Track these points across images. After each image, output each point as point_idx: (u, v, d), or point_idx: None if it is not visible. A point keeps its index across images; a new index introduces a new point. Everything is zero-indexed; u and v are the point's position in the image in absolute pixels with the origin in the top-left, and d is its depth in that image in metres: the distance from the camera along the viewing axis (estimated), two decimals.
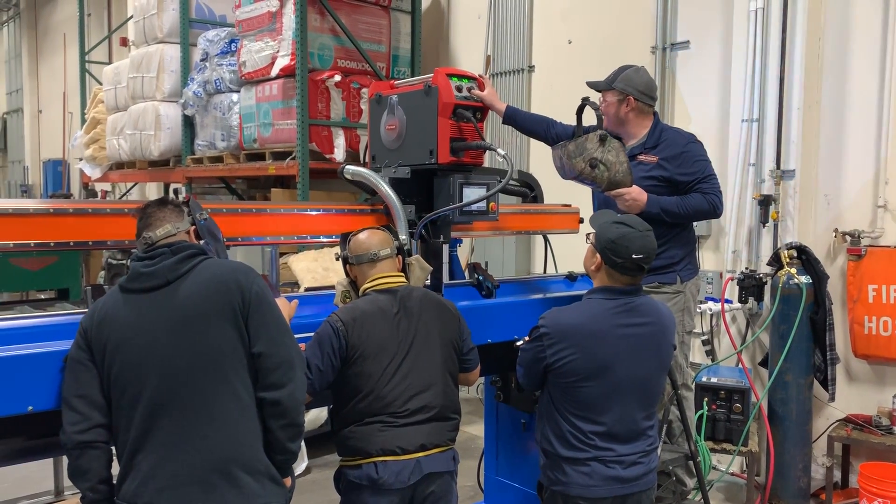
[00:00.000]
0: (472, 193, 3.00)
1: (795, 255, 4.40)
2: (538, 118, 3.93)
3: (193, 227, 2.27)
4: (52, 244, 2.55)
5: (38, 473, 4.66)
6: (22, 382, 2.05)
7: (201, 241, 2.28)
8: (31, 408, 2.06)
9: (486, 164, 3.32)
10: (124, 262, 8.16)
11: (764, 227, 4.76)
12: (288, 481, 2.18)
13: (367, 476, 2.44)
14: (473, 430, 5.71)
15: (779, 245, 4.63)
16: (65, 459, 4.41)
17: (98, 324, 2.06)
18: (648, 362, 2.61)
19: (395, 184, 3.06)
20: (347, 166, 3.17)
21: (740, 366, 4.65)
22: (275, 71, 6.13)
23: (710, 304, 4.90)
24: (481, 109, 3.14)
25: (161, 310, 2.05)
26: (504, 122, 3.84)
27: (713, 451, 4.31)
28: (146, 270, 2.08)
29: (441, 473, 2.54)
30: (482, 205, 3.07)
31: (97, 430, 2.04)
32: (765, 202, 4.68)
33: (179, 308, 2.04)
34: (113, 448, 2.12)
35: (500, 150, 3.03)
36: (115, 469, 2.13)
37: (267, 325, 2.09)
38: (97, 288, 2.36)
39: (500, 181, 3.04)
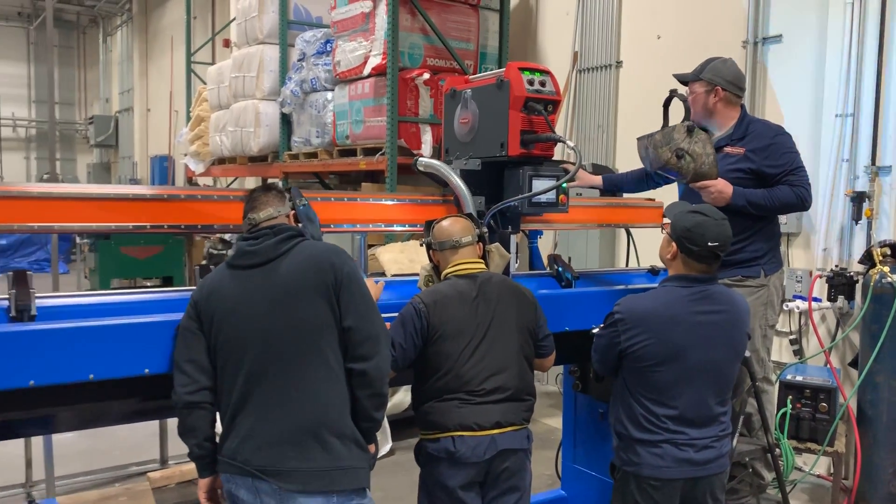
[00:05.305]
0: (541, 185, 3.05)
1: (889, 253, 4.26)
2: (635, 172, 4.03)
3: (293, 212, 2.46)
4: (165, 227, 2.81)
5: (146, 443, 5.05)
6: (140, 347, 2.29)
7: (300, 225, 2.47)
8: (147, 370, 2.30)
9: (563, 157, 3.38)
10: (224, 251, 8.61)
11: (856, 224, 4.63)
12: (372, 448, 2.35)
13: (444, 449, 2.58)
14: (553, 423, 5.78)
15: (871, 243, 4.51)
16: (169, 431, 4.77)
17: (207, 296, 2.28)
18: (722, 349, 2.65)
19: (466, 175, 3.16)
20: (421, 158, 3.31)
21: (828, 365, 4.55)
22: (367, 70, 6.35)
23: (799, 302, 4.80)
24: (553, 102, 3.16)
25: (263, 285, 2.25)
26: (607, 189, 4.06)
27: (797, 450, 4.24)
28: (250, 249, 2.29)
29: (515, 450, 2.65)
30: (551, 196, 3.11)
31: (204, 392, 2.26)
32: (858, 199, 4.56)
33: (279, 284, 2.24)
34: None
35: (569, 143, 3.09)
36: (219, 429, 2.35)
37: (356, 302, 2.26)
38: (204, 267, 2.60)
39: (568, 173, 3.10)
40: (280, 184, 8.20)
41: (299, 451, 2.18)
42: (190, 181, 11.22)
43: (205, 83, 9.90)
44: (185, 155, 10.26)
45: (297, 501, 2.17)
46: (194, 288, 2.44)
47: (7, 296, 2.29)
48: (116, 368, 2.24)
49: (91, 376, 2.20)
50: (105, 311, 2.42)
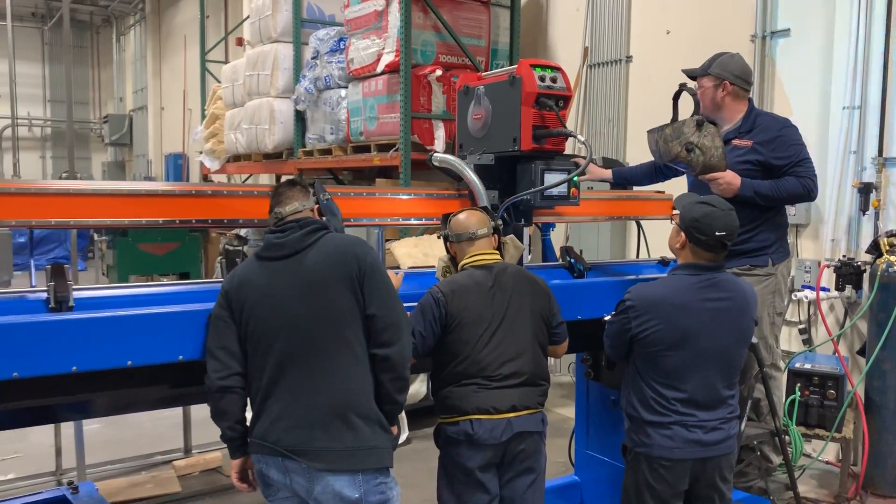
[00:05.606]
0: (553, 179, 3.15)
1: None
2: (644, 165, 4.08)
3: (317, 206, 2.58)
4: (193, 221, 2.94)
5: (169, 433, 5.19)
6: (174, 335, 2.41)
7: (323, 218, 2.59)
8: (181, 357, 2.42)
9: (574, 151, 3.46)
10: (240, 247, 8.75)
11: (864, 215, 4.71)
12: (394, 430, 2.47)
13: (463, 432, 2.69)
14: (565, 412, 5.88)
15: (879, 233, 4.58)
16: (192, 421, 4.89)
17: (237, 286, 2.40)
18: (729, 335, 2.75)
19: (480, 170, 3.26)
20: (435, 154, 3.42)
21: (836, 354, 4.63)
22: (380, 67, 6.45)
23: (807, 291, 4.88)
24: (564, 98, 3.24)
25: (290, 275, 2.37)
26: (617, 182, 4.11)
27: (805, 436, 4.33)
28: (278, 241, 2.41)
29: (531, 433, 2.76)
30: (563, 189, 3.21)
31: (235, 378, 2.38)
32: (865, 190, 4.64)
33: (306, 274, 2.36)
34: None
35: (580, 137, 3.19)
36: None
37: (379, 291, 2.38)
38: (231, 261, 2.72)
39: (579, 167, 3.20)
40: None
41: (327, 432, 2.30)
42: (205, 178, 11.36)
43: (218, 81, 10.02)
44: (200, 152, 10.38)
45: (324, 480, 2.29)
46: (221, 280, 2.56)
47: (46, 288, 2.41)
48: (153, 355, 2.37)
49: (129, 363, 2.33)
50: (137, 301, 2.54)
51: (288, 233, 2.41)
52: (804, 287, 4.95)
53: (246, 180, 11.42)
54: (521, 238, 3.30)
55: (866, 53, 4.73)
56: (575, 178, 3.24)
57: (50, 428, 4.61)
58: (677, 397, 2.70)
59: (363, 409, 2.34)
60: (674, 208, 2.90)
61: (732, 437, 2.78)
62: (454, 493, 2.75)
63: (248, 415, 2.46)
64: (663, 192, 4.30)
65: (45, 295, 2.38)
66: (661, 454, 2.70)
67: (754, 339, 3.03)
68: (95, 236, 11.70)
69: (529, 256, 3.51)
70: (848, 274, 4.63)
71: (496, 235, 2.97)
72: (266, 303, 2.36)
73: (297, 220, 2.44)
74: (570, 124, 6.83)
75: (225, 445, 2.51)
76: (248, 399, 2.44)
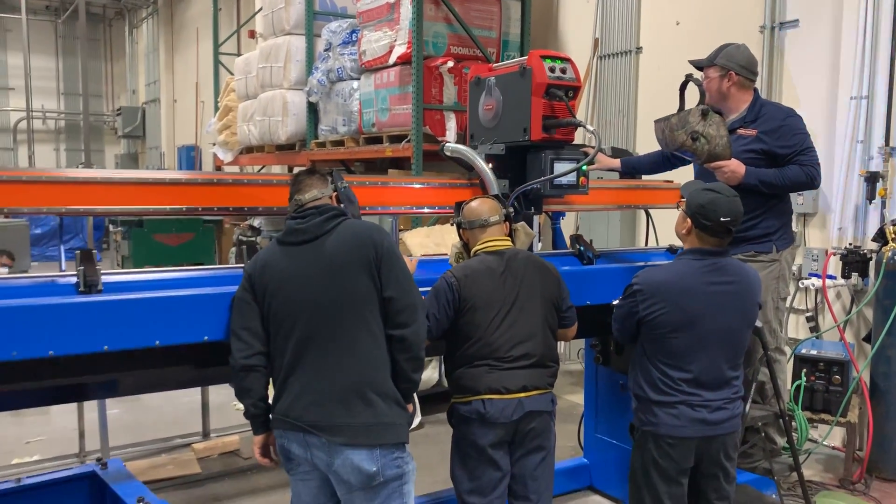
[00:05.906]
0: (562, 168, 3.24)
1: None
2: (652, 155, 4.16)
3: (335, 193, 2.68)
4: (215, 209, 3.05)
5: (188, 417, 5.32)
6: (200, 316, 2.53)
7: (341, 205, 2.69)
8: (206, 337, 2.53)
9: (584, 141, 3.54)
10: (254, 238, 8.86)
11: (870, 203, 4.77)
12: (410, 407, 2.57)
13: (475, 411, 2.79)
14: (575, 399, 5.96)
15: (885, 222, 4.64)
16: (211, 405, 5.00)
17: (261, 269, 2.51)
18: (734, 317, 2.84)
19: (491, 159, 3.35)
20: (448, 144, 3.51)
21: (842, 341, 4.70)
22: (392, 59, 6.52)
23: (814, 279, 4.95)
24: (573, 88, 3.31)
25: (311, 260, 2.47)
26: (625, 171, 4.18)
27: (811, 421, 4.40)
28: (299, 227, 2.51)
29: (541, 412, 2.86)
30: (572, 178, 3.29)
31: (258, 357, 2.49)
32: (871, 179, 4.69)
33: (326, 259, 2.46)
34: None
35: (589, 127, 3.26)
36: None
37: (396, 275, 2.48)
38: (251, 248, 2.82)
39: (587, 157, 3.27)
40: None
41: (346, 409, 2.40)
42: (218, 170, 11.46)
43: (231, 73, 10.11)
44: (214, 144, 10.49)
45: (344, 454, 2.40)
46: (240, 266, 2.68)
47: (75, 273, 2.52)
48: (179, 335, 2.48)
49: (157, 342, 2.44)
50: (162, 285, 2.65)
51: (308, 219, 2.51)
52: (811, 275, 5.01)
53: (259, 171, 11.52)
54: (531, 225, 3.39)
55: (874, 44, 4.77)
56: (584, 168, 3.33)
57: (73, 412, 4.74)
58: (683, 378, 2.79)
59: (381, 386, 2.44)
60: (681, 195, 2.98)
61: (736, 416, 2.86)
62: (466, 470, 2.86)
63: (271, 393, 2.57)
64: (671, 182, 4.37)
65: (74, 279, 2.49)
66: (668, 432, 2.79)
67: (759, 324, 3.11)
68: (111, 227, 11.83)
69: (540, 244, 3.60)
70: (854, 262, 4.70)
71: (507, 222, 3.06)
72: (288, 285, 2.46)
73: (317, 206, 2.54)
74: (581, 115, 6.89)
75: (242, 429, 2.62)
76: (271, 377, 2.55)
